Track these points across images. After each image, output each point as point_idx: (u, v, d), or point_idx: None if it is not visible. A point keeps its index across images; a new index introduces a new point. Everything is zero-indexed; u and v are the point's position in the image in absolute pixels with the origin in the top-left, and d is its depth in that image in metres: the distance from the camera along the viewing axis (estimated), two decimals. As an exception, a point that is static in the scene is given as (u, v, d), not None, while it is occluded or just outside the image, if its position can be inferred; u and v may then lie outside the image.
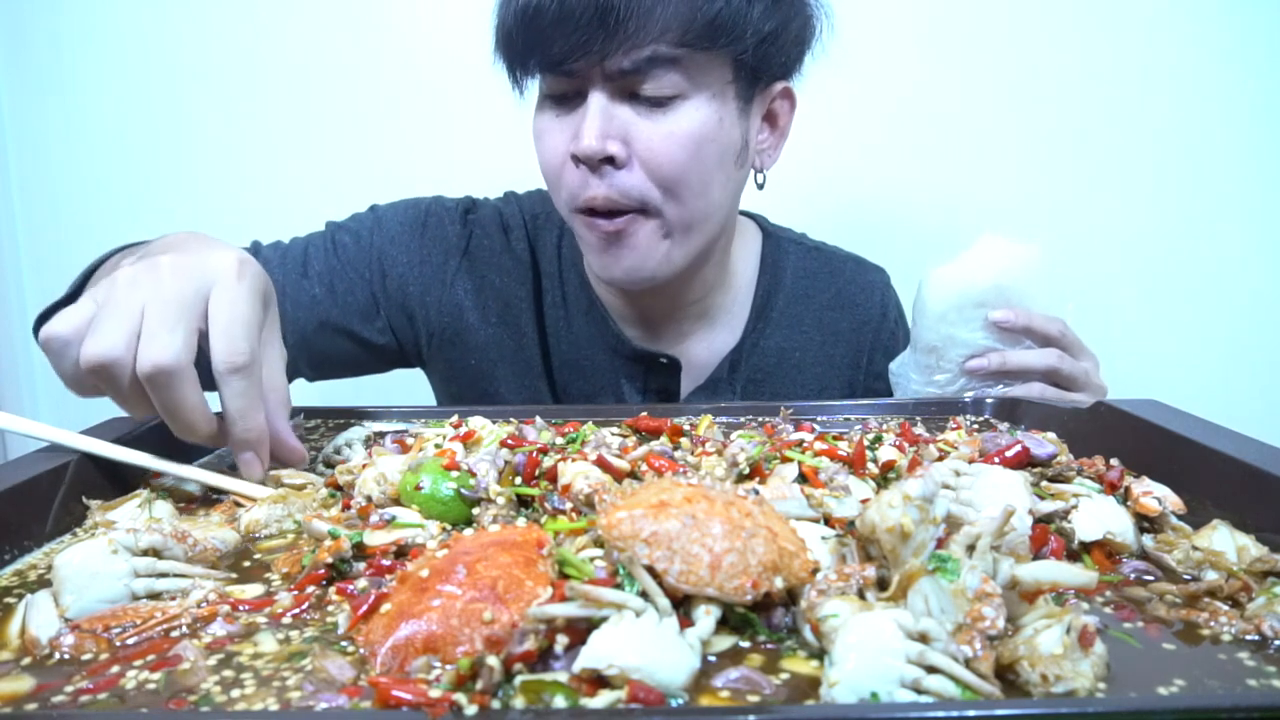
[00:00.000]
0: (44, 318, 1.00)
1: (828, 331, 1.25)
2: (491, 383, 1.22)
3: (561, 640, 0.43)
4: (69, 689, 0.44)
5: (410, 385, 1.38)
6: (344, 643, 0.48)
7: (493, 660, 0.41)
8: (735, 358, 1.22)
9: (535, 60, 0.98)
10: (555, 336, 1.22)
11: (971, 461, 0.69)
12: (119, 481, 0.75)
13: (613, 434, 0.79)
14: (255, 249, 1.20)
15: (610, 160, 0.97)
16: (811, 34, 1.05)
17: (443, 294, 1.20)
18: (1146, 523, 0.62)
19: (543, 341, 1.22)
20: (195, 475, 0.75)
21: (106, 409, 0.89)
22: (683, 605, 0.47)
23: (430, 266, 1.20)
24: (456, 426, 0.77)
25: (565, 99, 1.01)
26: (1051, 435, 0.76)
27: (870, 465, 0.73)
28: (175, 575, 0.56)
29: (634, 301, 1.19)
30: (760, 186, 1.14)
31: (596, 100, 0.96)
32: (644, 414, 0.84)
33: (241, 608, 0.53)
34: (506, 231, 1.23)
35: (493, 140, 1.52)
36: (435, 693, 0.40)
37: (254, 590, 0.56)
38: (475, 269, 1.21)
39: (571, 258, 1.22)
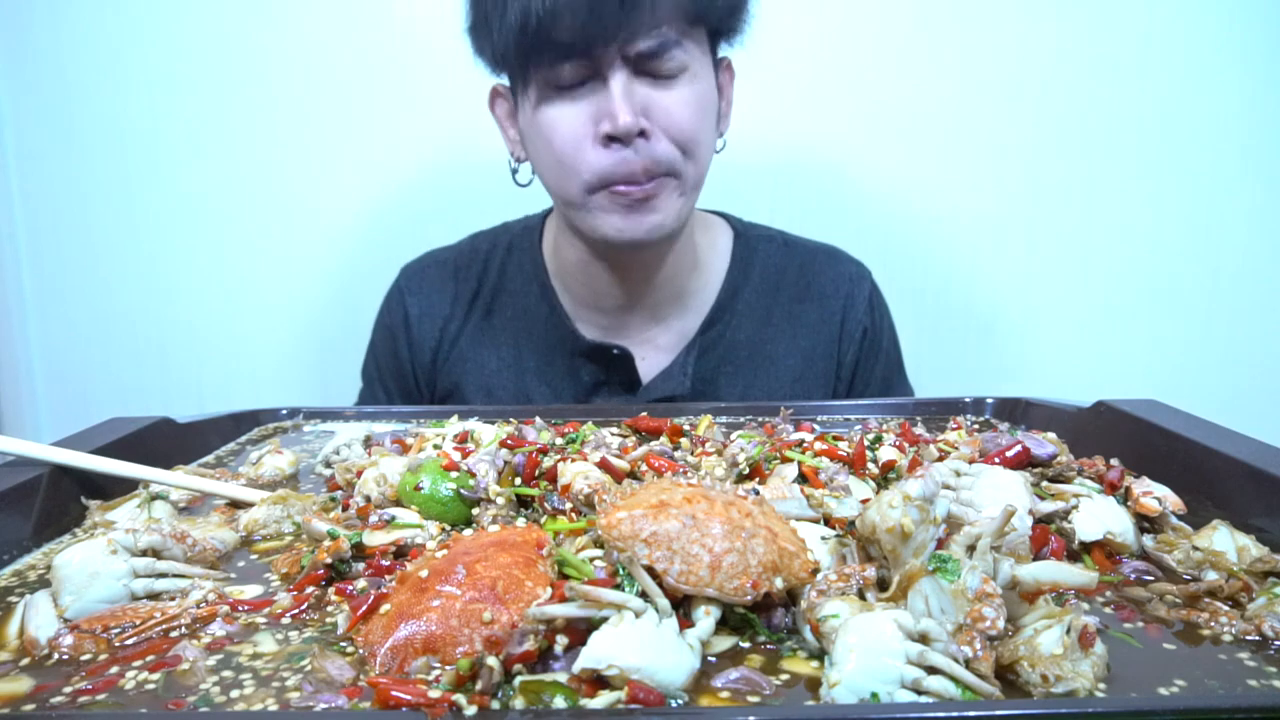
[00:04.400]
0: None
1: (798, 324, 1.28)
2: (486, 398, 1.28)
3: (561, 640, 0.43)
4: (68, 689, 0.44)
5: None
6: (343, 643, 0.48)
7: (492, 660, 0.41)
8: (693, 348, 1.24)
9: (555, 51, 1.02)
10: (519, 346, 1.27)
11: (972, 461, 0.69)
12: (119, 481, 0.75)
13: (612, 434, 0.79)
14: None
15: (641, 133, 1.04)
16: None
17: (444, 352, 1.31)
18: (1147, 523, 0.62)
19: (509, 352, 1.28)
20: (183, 482, 0.74)
21: (106, 409, 0.89)
22: (683, 606, 0.47)
23: (398, 359, 1.33)
24: (461, 440, 0.77)
25: (573, 88, 1.05)
26: (1052, 435, 0.76)
27: (870, 465, 0.73)
28: (174, 575, 0.56)
29: (610, 287, 1.22)
30: (718, 151, 1.20)
31: (620, 80, 1.03)
32: (644, 414, 0.84)
33: (241, 608, 0.53)
34: (456, 277, 1.32)
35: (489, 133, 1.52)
36: (435, 693, 0.40)
37: (253, 590, 0.56)
38: (453, 305, 1.30)
39: (533, 272, 1.28)
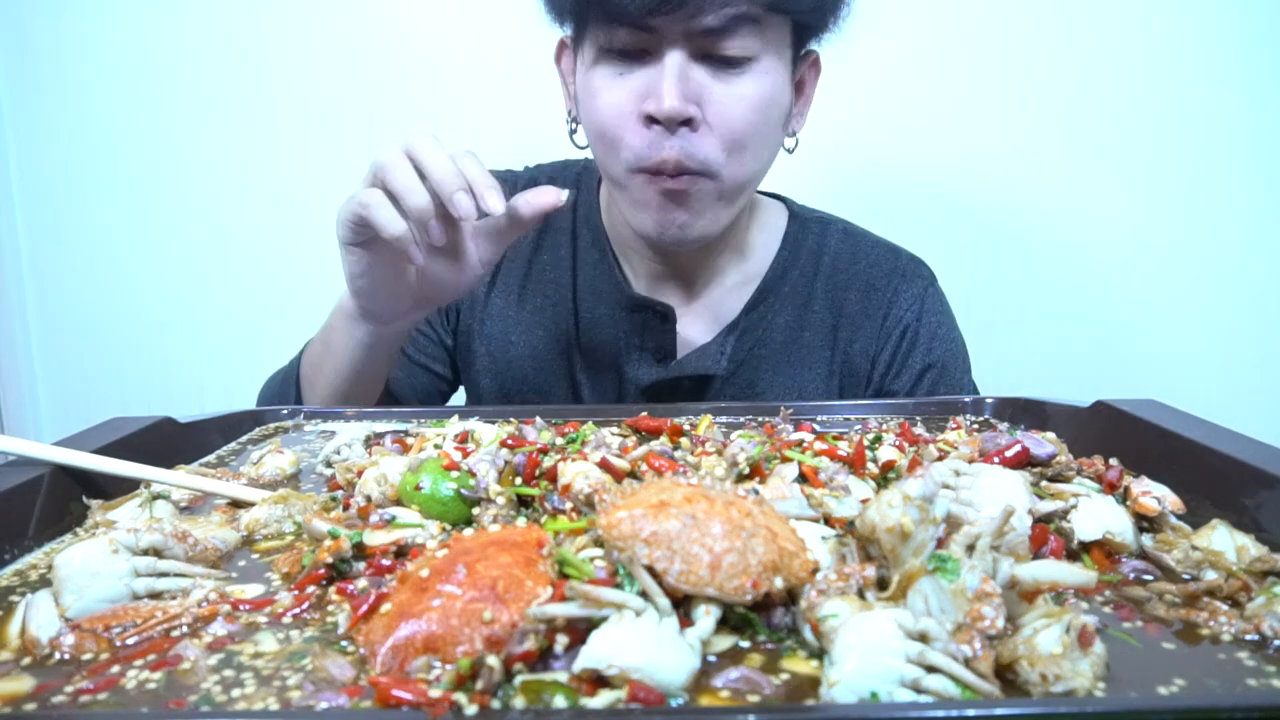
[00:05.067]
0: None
1: (839, 313, 1.21)
2: (517, 333, 1.24)
3: (561, 640, 0.43)
4: (69, 689, 0.44)
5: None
6: (344, 643, 0.48)
7: (493, 660, 0.41)
8: (734, 327, 1.20)
9: (613, 11, 0.94)
10: (561, 289, 1.23)
11: (971, 461, 0.69)
12: (120, 481, 0.75)
13: (612, 434, 0.79)
14: None
15: (686, 122, 0.97)
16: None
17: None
18: (1146, 522, 0.62)
19: (554, 294, 1.23)
20: (184, 482, 0.74)
21: (106, 409, 0.89)
22: (683, 605, 0.47)
23: None
24: (459, 439, 0.77)
25: (630, 55, 0.98)
26: (1051, 435, 0.77)
27: (870, 465, 0.73)
28: (176, 575, 0.56)
29: (653, 264, 1.20)
30: (790, 151, 1.14)
31: (676, 59, 0.95)
32: (644, 414, 0.84)
33: (242, 607, 0.53)
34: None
35: (498, 121, 1.52)
36: (435, 693, 0.40)
37: (254, 590, 0.56)
38: None
39: (585, 215, 1.24)
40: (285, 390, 1.18)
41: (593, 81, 1.02)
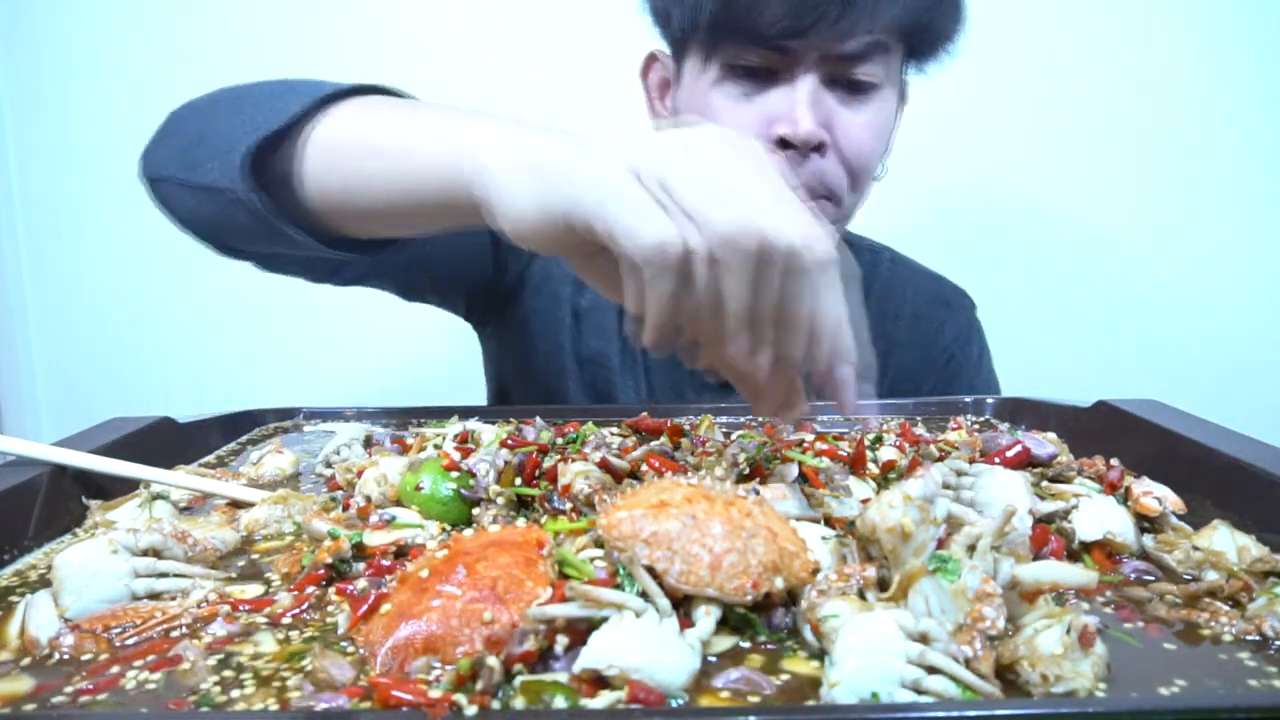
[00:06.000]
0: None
1: (890, 340, 1.22)
2: (574, 338, 1.16)
3: (561, 641, 0.43)
4: (69, 689, 0.44)
5: (410, 385, 1.38)
6: (344, 643, 0.48)
7: (493, 660, 0.41)
8: None
9: (751, 31, 0.90)
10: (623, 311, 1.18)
11: (972, 461, 0.69)
12: (120, 481, 0.75)
13: (612, 434, 0.79)
14: None
15: (818, 147, 0.94)
16: (958, 28, 1.01)
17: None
18: (1147, 523, 0.62)
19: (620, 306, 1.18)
20: (184, 482, 0.74)
21: (106, 409, 0.89)
22: (683, 606, 0.47)
23: None
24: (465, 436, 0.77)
25: (758, 75, 0.94)
26: (1052, 435, 0.77)
27: (870, 465, 0.73)
28: (175, 575, 0.56)
29: None
30: (878, 179, 1.10)
31: (810, 82, 0.92)
32: (644, 414, 0.84)
33: (241, 608, 0.53)
34: None
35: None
36: (435, 693, 0.40)
37: (254, 590, 0.56)
38: None
39: None
40: (224, 127, 0.76)
41: (714, 101, 0.97)
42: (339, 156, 0.72)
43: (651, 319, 0.55)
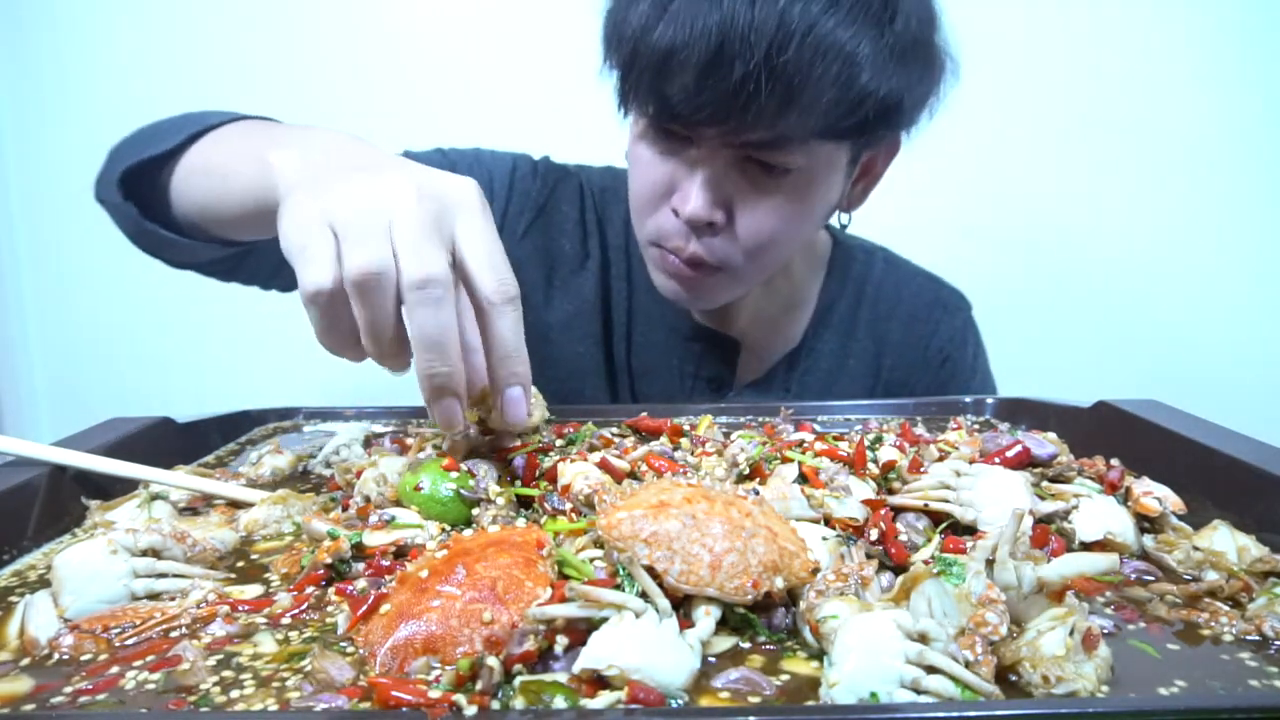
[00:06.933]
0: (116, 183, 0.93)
1: (883, 342, 1.23)
2: (545, 344, 1.18)
3: (561, 641, 0.43)
4: (68, 689, 0.44)
5: (410, 385, 1.38)
6: (343, 643, 0.48)
7: (492, 661, 0.41)
8: (794, 358, 1.21)
9: (664, 106, 0.89)
10: (617, 309, 1.20)
11: (972, 462, 0.69)
12: (119, 481, 0.75)
13: (612, 434, 0.79)
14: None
15: (710, 224, 0.95)
16: (934, 94, 0.98)
17: (511, 246, 1.16)
18: (1147, 523, 0.62)
19: (604, 311, 1.20)
20: (183, 482, 0.74)
21: (105, 409, 0.89)
22: (683, 606, 0.47)
23: (508, 216, 1.18)
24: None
25: (675, 137, 0.95)
26: (1052, 435, 0.76)
27: (870, 465, 0.73)
28: (174, 575, 0.56)
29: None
30: (844, 227, 1.12)
31: (712, 165, 0.92)
32: (644, 414, 0.84)
33: (241, 608, 0.53)
34: (581, 199, 1.22)
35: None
36: (435, 693, 0.40)
37: (253, 591, 0.56)
38: (548, 230, 1.19)
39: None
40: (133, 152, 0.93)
41: (637, 149, 0.99)
42: (194, 174, 0.87)
43: (319, 339, 0.64)
